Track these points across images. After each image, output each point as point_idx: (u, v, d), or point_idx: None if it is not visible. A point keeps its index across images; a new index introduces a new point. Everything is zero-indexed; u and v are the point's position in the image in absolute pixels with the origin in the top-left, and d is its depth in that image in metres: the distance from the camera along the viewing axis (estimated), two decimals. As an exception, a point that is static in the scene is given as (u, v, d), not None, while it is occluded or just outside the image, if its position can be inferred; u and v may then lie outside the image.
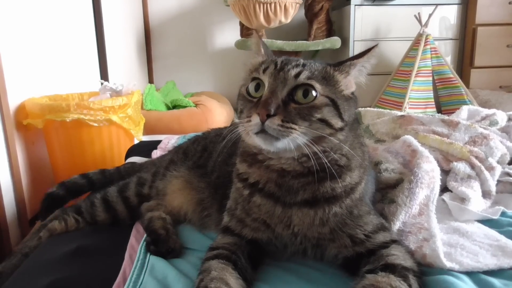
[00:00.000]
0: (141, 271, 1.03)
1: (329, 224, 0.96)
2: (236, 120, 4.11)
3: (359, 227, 0.98)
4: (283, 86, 0.91)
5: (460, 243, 1.04)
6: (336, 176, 0.95)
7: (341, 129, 0.93)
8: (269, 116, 0.87)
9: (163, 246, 1.13)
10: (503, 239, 1.05)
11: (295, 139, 0.88)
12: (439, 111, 3.68)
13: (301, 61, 0.98)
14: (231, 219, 1.08)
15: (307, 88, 0.91)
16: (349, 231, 0.97)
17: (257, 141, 0.92)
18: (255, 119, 0.88)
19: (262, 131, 0.88)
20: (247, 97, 0.97)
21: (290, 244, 1.03)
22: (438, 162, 1.34)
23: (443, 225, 1.16)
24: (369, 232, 0.98)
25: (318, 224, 0.96)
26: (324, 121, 0.91)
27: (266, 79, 0.93)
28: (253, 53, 1.08)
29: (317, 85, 0.91)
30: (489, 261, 0.95)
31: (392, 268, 0.88)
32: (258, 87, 0.95)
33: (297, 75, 0.92)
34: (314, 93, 0.91)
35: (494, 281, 0.89)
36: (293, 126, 0.87)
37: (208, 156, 1.40)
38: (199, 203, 1.30)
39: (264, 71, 0.95)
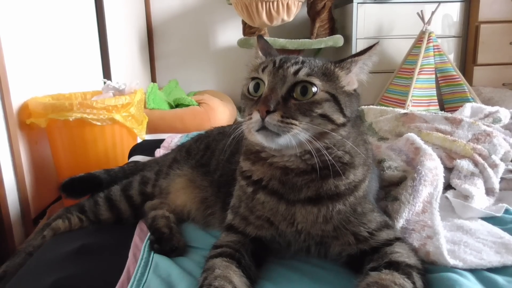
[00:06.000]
0: (145, 269, 1.03)
1: (333, 221, 0.96)
2: (239, 119, 4.08)
3: (363, 224, 0.98)
4: (282, 83, 0.91)
5: (463, 240, 1.04)
6: (340, 173, 0.95)
7: (343, 124, 0.93)
8: (269, 112, 0.87)
9: (167, 244, 1.13)
10: (506, 236, 1.05)
11: (296, 135, 0.88)
12: (442, 108, 3.67)
13: (300, 58, 0.98)
14: (234, 217, 1.08)
15: (306, 85, 0.91)
16: (352, 228, 0.97)
17: (259, 138, 0.92)
18: (256, 116, 0.88)
19: (263, 128, 0.88)
20: (248, 96, 0.98)
21: (293, 242, 1.03)
22: (441, 159, 1.34)
23: (446, 222, 1.15)
24: (372, 230, 0.97)
25: (322, 222, 0.96)
26: (325, 117, 0.91)
27: (265, 78, 0.94)
28: (254, 57, 1.09)
29: (317, 81, 0.91)
30: (492, 258, 0.95)
31: (396, 266, 0.88)
32: (258, 86, 0.96)
33: (296, 72, 0.92)
34: (314, 89, 0.91)
35: (498, 278, 0.89)
36: (293, 121, 0.87)
37: (211, 154, 1.40)
38: (202, 202, 1.30)
39: (263, 70, 0.95)
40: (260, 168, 1.01)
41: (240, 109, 4.74)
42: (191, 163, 1.41)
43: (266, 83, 0.93)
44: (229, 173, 1.20)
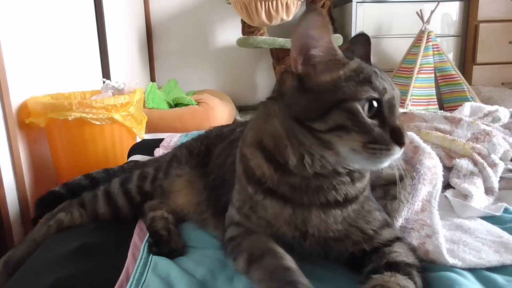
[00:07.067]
0: (144, 269, 1.03)
1: (347, 221, 0.95)
2: (238, 118, 4.00)
3: (369, 222, 0.97)
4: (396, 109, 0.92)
5: (462, 239, 1.04)
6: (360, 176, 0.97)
7: None
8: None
9: (165, 247, 1.12)
10: (505, 235, 1.05)
11: None
12: (441, 108, 3.66)
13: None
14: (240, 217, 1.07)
15: None
16: (360, 227, 0.96)
17: (384, 166, 0.90)
18: (397, 151, 0.86)
19: None
20: (363, 118, 0.85)
21: (298, 246, 1.00)
22: (440, 159, 1.34)
23: (445, 221, 1.15)
24: (376, 228, 0.97)
25: (340, 223, 0.95)
26: None
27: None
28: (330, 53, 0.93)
29: None
30: (492, 258, 0.95)
31: (396, 267, 0.87)
32: (371, 107, 0.87)
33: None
34: None
35: (497, 277, 0.89)
36: None
37: (209, 156, 1.39)
38: (197, 205, 1.29)
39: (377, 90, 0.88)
40: (281, 177, 0.96)
41: (239, 109, 4.67)
42: (191, 163, 1.40)
43: (387, 108, 0.89)
44: (221, 177, 1.19)
